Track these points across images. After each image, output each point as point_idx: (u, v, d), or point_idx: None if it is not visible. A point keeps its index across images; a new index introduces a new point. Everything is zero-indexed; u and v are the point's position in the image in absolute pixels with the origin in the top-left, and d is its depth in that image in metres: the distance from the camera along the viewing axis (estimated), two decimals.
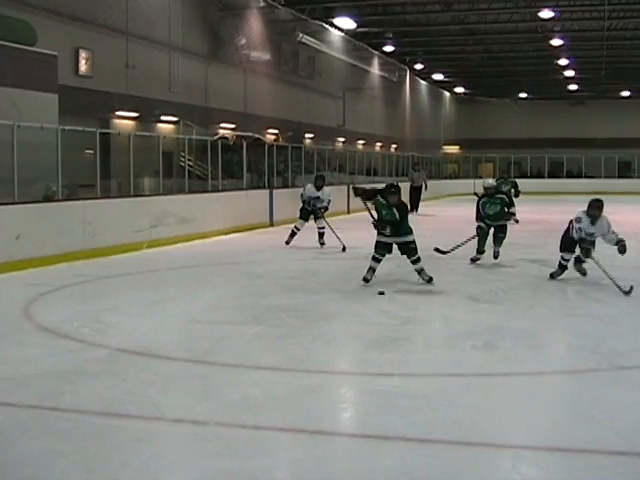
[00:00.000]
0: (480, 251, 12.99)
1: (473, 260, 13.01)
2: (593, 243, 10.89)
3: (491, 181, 13.44)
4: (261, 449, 4.85)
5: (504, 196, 13.16)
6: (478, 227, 13.00)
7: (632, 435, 5.09)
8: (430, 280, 10.71)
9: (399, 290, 10.36)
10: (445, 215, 26.83)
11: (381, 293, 9.98)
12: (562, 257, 11.29)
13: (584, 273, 11.47)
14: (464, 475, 4.45)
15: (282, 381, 6.36)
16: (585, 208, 10.86)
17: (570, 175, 45.14)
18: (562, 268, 11.34)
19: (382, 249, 10.76)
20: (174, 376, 6.50)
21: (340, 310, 9.34)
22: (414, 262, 10.75)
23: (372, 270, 10.78)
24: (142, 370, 6.64)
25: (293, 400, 5.82)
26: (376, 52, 38.67)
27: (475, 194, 13.99)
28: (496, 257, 13.12)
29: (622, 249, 10.45)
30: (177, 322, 8.60)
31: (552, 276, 11.38)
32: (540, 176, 44.46)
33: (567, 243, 11.16)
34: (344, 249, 14.82)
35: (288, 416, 5.47)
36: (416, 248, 10.73)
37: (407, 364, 6.92)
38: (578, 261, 11.43)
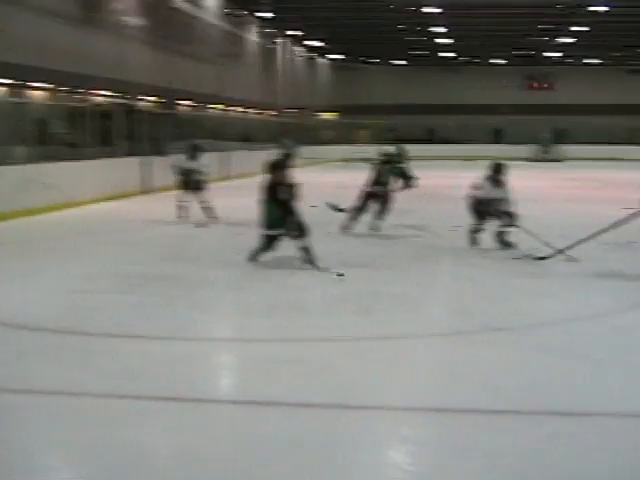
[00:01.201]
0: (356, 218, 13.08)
1: (345, 228, 13.03)
2: (500, 209, 11.05)
3: (393, 149, 13.60)
4: (141, 418, 4.82)
5: (401, 165, 13.30)
6: (369, 193, 13.07)
7: (506, 394, 5.26)
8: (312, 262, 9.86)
9: (278, 258, 10.35)
10: (320, 181, 26.86)
11: (340, 275, 9.17)
12: (472, 225, 11.43)
13: (476, 243, 11.48)
14: (343, 438, 4.51)
15: (160, 350, 6.32)
16: (487, 173, 11.17)
17: (444, 141, 46.00)
18: (473, 236, 11.44)
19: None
20: (49, 347, 6.36)
21: (217, 278, 9.33)
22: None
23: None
24: (15, 342, 6.49)
25: (172, 368, 5.77)
26: (253, 18, 38.38)
27: (367, 160, 14.03)
28: (374, 228, 13.17)
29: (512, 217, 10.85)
30: (52, 293, 8.41)
31: (474, 243, 11.43)
32: (414, 142, 45.09)
33: (475, 210, 11.31)
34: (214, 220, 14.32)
35: (167, 384, 5.43)
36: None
37: (285, 330, 6.97)
38: (475, 231, 11.49)
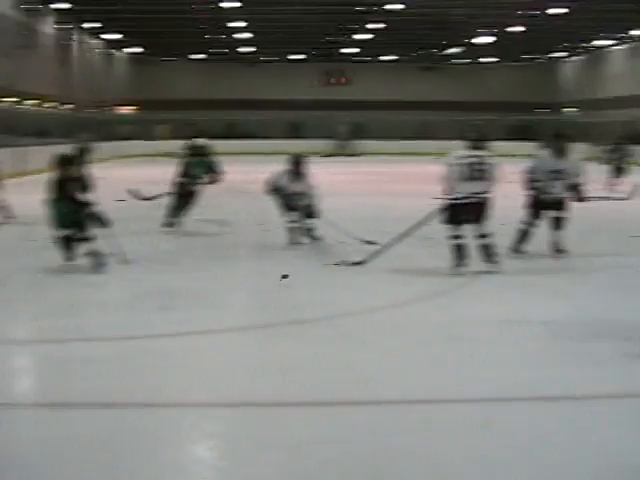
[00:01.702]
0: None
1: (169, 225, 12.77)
2: (302, 202, 11.10)
3: (200, 142, 13.48)
4: None
5: (208, 159, 13.14)
6: (179, 186, 12.85)
7: (308, 386, 5.38)
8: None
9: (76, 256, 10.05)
10: (120, 176, 26.06)
11: (284, 277, 8.90)
12: (288, 221, 11.31)
13: (296, 239, 11.33)
14: (148, 437, 4.50)
15: None
16: (287, 167, 11.18)
17: (244, 136, 46.12)
18: (290, 230, 11.29)
19: None
20: None
21: (14, 278, 9.02)
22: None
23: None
24: None
25: None
26: (49, 9, 37.11)
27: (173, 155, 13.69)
28: (170, 223, 12.85)
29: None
30: None
31: (313, 238, 11.33)
32: (215, 137, 44.82)
33: (281, 204, 11.29)
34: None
35: None
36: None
37: (85, 329, 6.84)
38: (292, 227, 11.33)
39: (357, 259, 9.72)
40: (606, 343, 6.36)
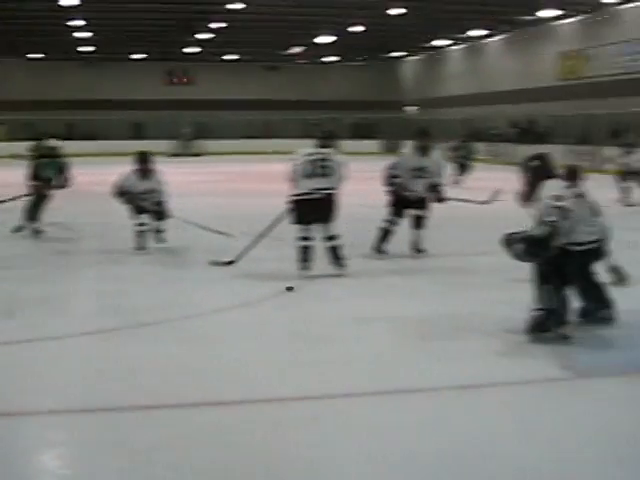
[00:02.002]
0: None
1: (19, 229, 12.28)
2: (152, 201, 10.81)
3: (50, 143, 13.03)
4: None
5: (59, 160, 12.64)
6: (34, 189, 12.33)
7: (155, 390, 5.30)
8: None
9: None
10: None
11: (289, 289, 8.38)
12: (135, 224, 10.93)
13: (142, 244, 10.91)
14: None
15: None
16: (133, 166, 10.85)
17: (85, 137, 45.06)
18: (137, 234, 10.87)
19: None
20: None
21: None
22: None
23: None
24: None
25: None
26: None
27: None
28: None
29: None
30: None
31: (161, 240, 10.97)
32: (54, 138, 43.54)
33: (130, 206, 10.92)
34: None
35: None
36: None
37: None
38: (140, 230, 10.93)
39: (228, 259, 9.56)
40: (461, 340, 6.54)
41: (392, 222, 10.35)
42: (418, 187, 10.22)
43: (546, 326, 6.30)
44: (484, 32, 38.30)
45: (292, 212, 9.08)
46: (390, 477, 4.10)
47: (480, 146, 30.48)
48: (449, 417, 4.84)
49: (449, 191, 10.85)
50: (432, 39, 41.60)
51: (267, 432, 4.61)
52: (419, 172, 10.21)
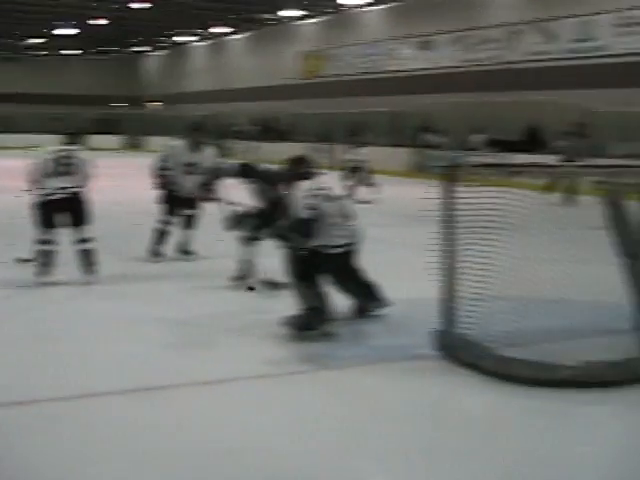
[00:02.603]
0: None
1: None
2: None
3: None
4: None
5: None
6: None
7: None
8: None
9: None
10: None
11: (251, 289, 8.05)
12: None
13: None
14: None
15: None
16: None
17: None
18: None
19: None
20: None
21: None
22: None
23: None
24: None
25: None
26: None
27: None
28: None
29: None
30: None
31: None
32: None
33: None
34: None
35: None
36: None
37: None
38: None
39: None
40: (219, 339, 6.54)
41: (166, 222, 9.85)
42: (188, 184, 9.79)
43: (310, 324, 6.40)
44: (227, 29, 38.60)
45: (34, 213, 8.50)
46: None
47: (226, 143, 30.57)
48: (200, 413, 4.88)
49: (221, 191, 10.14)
50: (176, 35, 41.43)
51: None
52: (190, 168, 9.76)
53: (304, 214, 6.37)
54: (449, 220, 5.77)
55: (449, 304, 5.86)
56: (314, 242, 6.41)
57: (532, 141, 22.28)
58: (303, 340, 6.33)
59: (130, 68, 50.32)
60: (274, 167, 7.98)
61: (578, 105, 21.21)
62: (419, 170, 24.35)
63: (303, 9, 32.61)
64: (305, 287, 6.41)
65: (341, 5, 31.50)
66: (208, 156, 10.07)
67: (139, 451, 4.34)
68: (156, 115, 43.81)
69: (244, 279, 8.22)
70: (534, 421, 4.77)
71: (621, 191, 5.86)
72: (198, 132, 10.31)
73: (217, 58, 42.76)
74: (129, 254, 9.94)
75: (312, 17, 34.42)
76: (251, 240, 7.96)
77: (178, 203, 9.86)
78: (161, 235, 9.85)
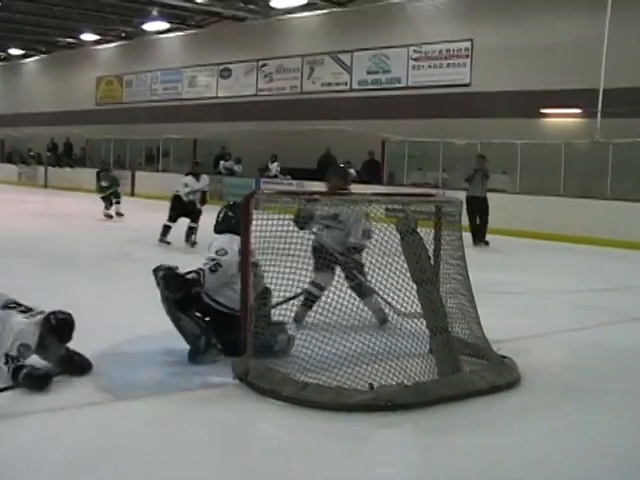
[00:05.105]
0: None
1: None
2: None
3: None
4: None
5: None
6: None
7: None
8: None
9: None
10: None
11: None
12: None
13: None
14: None
15: None
16: None
17: None
18: None
19: None
20: None
21: None
22: None
23: None
24: None
25: None
26: None
27: None
28: None
29: None
30: None
31: None
32: None
33: None
34: None
35: None
36: None
37: None
38: None
39: None
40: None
41: None
42: None
43: (200, 351, 6.30)
44: (23, 51, 37.42)
45: None
46: None
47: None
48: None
49: None
50: None
51: None
52: None
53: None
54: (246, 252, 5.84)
55: (249, 331, 5.87)
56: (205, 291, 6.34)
57: (325, 169, 22.76)
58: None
59: None
60: None
61: (372, 134, 21.97)
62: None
63: (100, 34, 32.07)
64: (187, 317, 6.35)
65: (139, 31, 31.14)
66: None
67: None
68: None
69: None
70: (336, 444, 4.83)
71: (413, 219, 6.04)
72: None
73: (12, 81, 41.21)
74: None
75: (109, 42, 33.89)
76: None
77: None
78: None
